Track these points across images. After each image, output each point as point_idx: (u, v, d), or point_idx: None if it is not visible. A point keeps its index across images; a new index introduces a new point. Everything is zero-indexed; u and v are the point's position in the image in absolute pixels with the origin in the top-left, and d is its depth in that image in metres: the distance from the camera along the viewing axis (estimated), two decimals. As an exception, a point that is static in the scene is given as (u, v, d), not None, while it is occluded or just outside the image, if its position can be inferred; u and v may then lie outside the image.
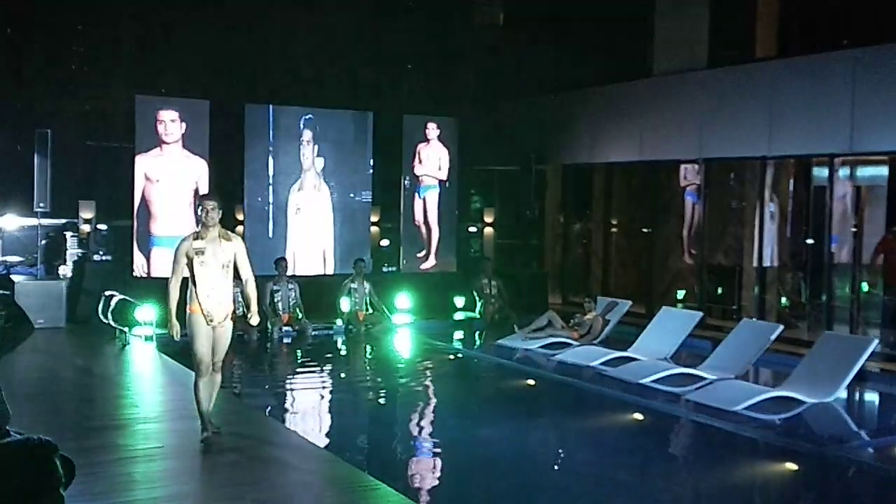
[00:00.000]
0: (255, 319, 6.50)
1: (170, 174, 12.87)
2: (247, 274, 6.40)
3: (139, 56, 13.93)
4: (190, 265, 6.17)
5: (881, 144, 10.74)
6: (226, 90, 13.26)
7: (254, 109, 13.58)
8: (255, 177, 13.61)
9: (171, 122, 12.85)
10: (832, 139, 11.05)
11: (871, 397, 9.65)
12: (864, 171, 12.32)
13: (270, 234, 13.69)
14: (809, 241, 12.61)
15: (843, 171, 12.07)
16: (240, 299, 12.28)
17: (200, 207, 6.23)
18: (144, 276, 12.69)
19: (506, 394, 10.05)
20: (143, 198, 12.77)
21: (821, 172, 12.09)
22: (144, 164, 12.74)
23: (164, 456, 6.23)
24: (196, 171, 13.03)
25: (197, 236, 6.21)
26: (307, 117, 13.93)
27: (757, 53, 12.75)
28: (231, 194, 13.46)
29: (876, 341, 9.19)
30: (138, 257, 12.72)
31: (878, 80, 10.61)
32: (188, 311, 6.24)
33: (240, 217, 13.56)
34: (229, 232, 6.39)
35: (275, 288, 12.63)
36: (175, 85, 13.40)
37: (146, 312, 11.25)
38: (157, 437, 6.78)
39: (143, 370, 9.90)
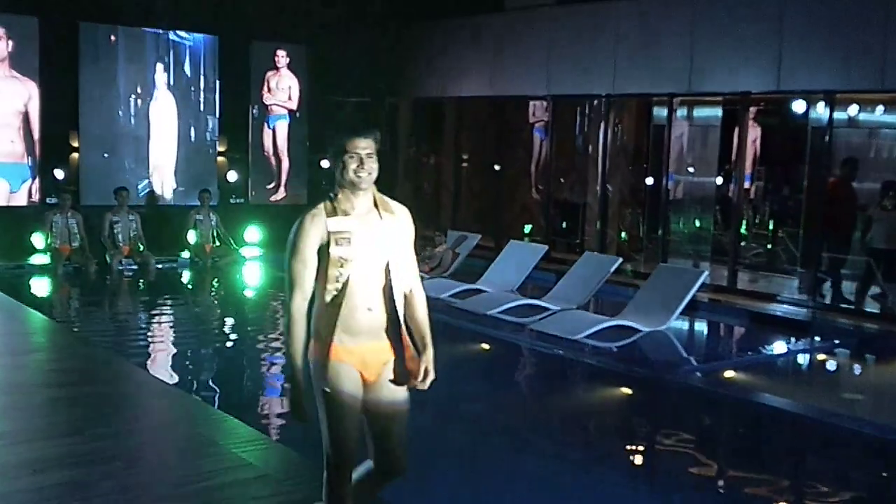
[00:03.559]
0: (426, 380, 3.33)
1: (-5, 96, 11.99)
2: (411, 278, 3.38)
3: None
4: (323, 264, 3.20)
5: (716, 86, 11.26)
6: (57, 7, 12.36)
7: (89, 28, 12.75)
8: (92, 101, 12.86)
9: (-6, 40, 11.94)
10: (672, 80, 11.49)
11: (701, 326, 10.29)
12: (700, 112, 12.92)
13: (109, 163, 13.04)
14: (649, 180, 13.15)
15: (681, 111, 12.62)
16: (76, 231, 11.84)
17: (345, 153, 3.21)
18: (-32, 204, 11.88)
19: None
20: (-35, 120, 11.87)
21: (660, 112, 12.58)
22: (-35, 83, 11.81)
23: (-7, 394, 5.91)
24: (24, 94, 12.20)
25: (335, 209, 3.24)
26: (150, 38, 13.24)
27: (605, -7, 13.01)
28: (65, 120, 12.70)
29: (706, 273, 9.77)
30: (-39, 185, 11.87)
31: (715, 23, 11.06)
32: (312, 354, 3.27)
33: (75, 144, 12.83)
34: (388, 199, 3.39)
35: (114, 219, 12.11)
36: (0, -1, 12.38)
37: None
38: (-14, 375, 6.41)
39: (-30, 305, 9.30)
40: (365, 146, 3.22)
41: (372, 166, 3.23)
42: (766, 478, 5.72)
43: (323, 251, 3.21)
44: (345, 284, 3.19)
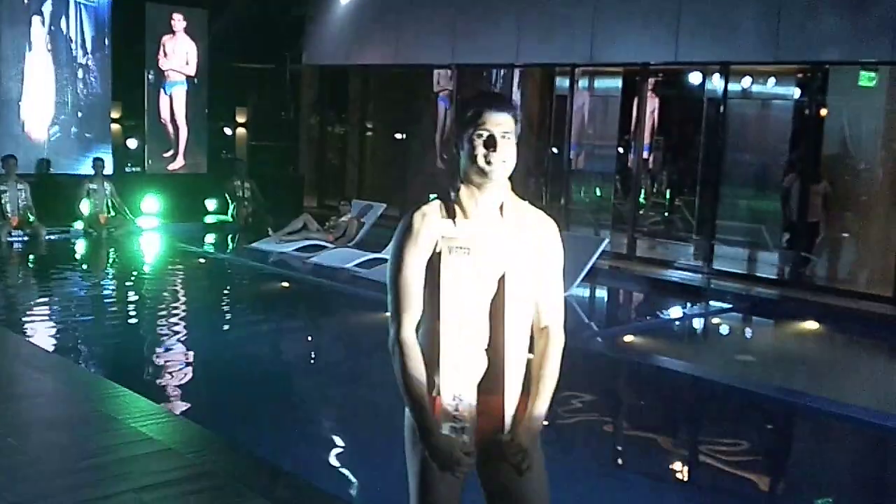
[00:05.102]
0: (516, 458, 2.39)
1: None
2: (552, 311, 2.59)
3: None
4: (431, 282, 2.44)
5: (616, 57, 11.45)
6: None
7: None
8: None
9: None
10: (574, 50, 11.62)
11: (601, 292, 10.53)
12: (601, 82, 13.12)
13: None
14: (552, 149, 13.30)
15: (583, 82, 12.78)
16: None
17: (471, 129, 2.41)
18: None
19: (260, 297, 9.95)
20: None
21: (563, 82, 12.71)
22: None
23: None
24: None
25: (451, 208, 2.48)
26: (35, 2, 12.63)
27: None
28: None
29: (607, 241, 9.98)
30: None
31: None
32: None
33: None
34: (526, 204, 2.56)
35: (2, 188, 11.57)
36: None
37: None
38: None
39: None
40: (500, 122, 2.40)
41: (507, 151, 2.41)
42: (664, 438, 5.92)
43: (433, 264, 2.41)
44: (459, 313, 2.39)
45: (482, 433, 2.41)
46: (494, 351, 2.42)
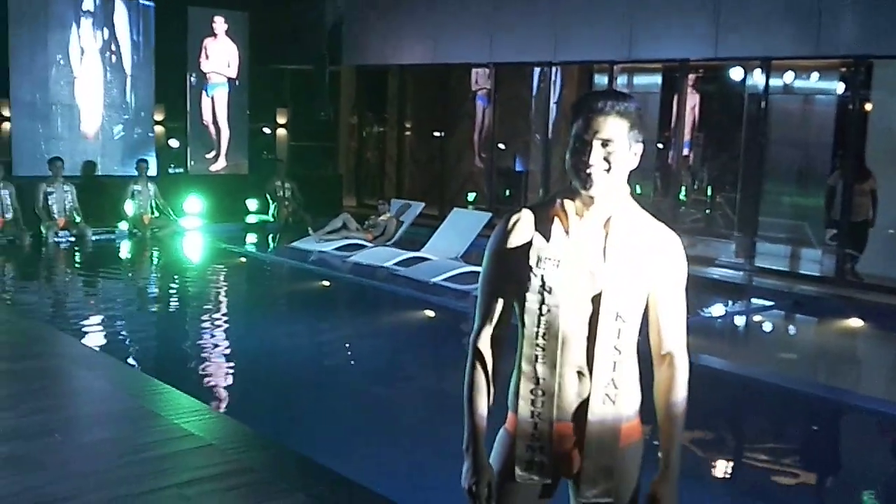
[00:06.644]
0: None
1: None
2: (673, 341, 2.40)
3: None
4: (521, 290, 2.24)
5: (655, 53, 11.36)
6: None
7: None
8: (23, 68, 12.46)
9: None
10: (612, 46, 11.55)
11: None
12: (640, 79, 13.04)
13: (42, 132, 12.68)
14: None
15: (622, 79, 12.71)
16: (8, 202, 11.52)
17: (575, 130, 2.21)
18: None
19: (301, 295, 10.05)
20: None
21: (601, 79, 12.65)
22: None
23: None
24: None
25: (550, 215, 2.24)
26: (83, 2, 12.87)
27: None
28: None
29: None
30: None
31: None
32: (506, 425, 2.37)
33: (6, 113, 12.46)
34: (646, 216, 2.31)
35: (49, 190, 11.82)
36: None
37: None
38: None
39: None
40: (607, 129, 2.15)
41: (606, 160, 2.16)
42: (702, 434, 5.87)
43: (524, 270, 2.22)
44: (546, 328, 2.20)
45: (565, 459, 2.24)
46: (589, 373, 2.22)
